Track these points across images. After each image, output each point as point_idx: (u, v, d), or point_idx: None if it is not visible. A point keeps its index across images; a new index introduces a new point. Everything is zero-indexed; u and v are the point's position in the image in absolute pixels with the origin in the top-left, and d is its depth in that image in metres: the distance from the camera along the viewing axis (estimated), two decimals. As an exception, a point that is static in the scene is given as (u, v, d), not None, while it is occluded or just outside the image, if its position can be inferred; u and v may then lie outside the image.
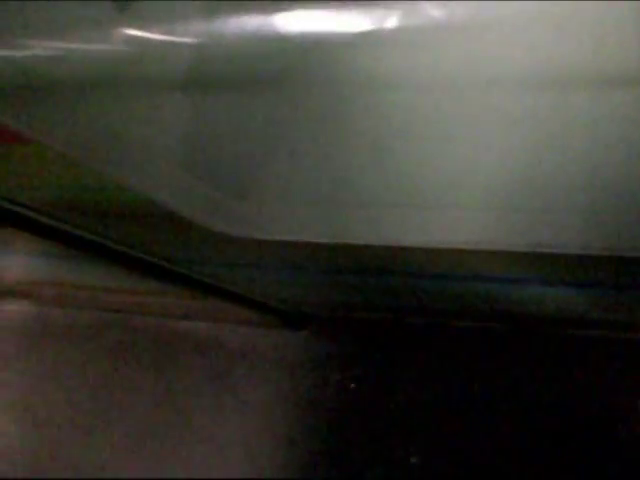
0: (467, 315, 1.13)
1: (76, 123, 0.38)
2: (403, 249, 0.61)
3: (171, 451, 1.39)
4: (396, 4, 0.31)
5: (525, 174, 0.45)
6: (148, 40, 0.31)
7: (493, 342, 1.18)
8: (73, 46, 0.32)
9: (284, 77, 0.35)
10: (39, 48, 0.32)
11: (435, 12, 0.30)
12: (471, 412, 1.19)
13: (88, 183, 0.51)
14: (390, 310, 1.20)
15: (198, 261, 0.88)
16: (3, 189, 0.54)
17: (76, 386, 1.53)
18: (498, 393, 1.17)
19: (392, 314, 1.22)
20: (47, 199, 0.58)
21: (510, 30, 0.32)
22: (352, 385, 1.30)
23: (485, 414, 1.18)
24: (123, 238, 0.75)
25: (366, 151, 0.46)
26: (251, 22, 0.30)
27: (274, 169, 0.49)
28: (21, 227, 0.67)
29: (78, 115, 0.37)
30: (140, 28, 0.31)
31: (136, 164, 0.45)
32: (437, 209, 0.52)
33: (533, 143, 0.42)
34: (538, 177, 0.45)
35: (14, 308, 1.61)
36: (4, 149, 0.43)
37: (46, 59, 0.32)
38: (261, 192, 0.53)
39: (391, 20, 0.30)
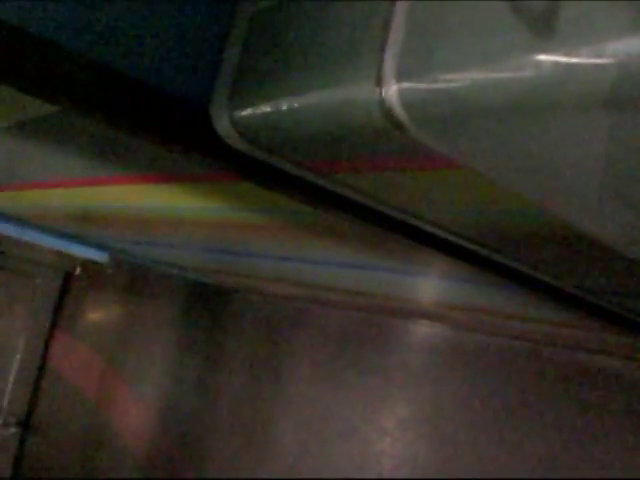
0: None
1: (498, 148, 0.41)
2: None
3: None
4: None
5: None
6: (564, 64, 0.33)
7: None
8: (492, 75, 0.35)
9: None
10: (461, 79, 0.36)
11: None
12: None
13: (507, 207, 0.54)
14: None
15: (612, 291, 0.85)
16: (430, 213, 0.60)
17: (479, 409, 1.59)
18: None
19: None
20: (466, 222, 0.62)
21: None
22: None
23: None
24: (535, 265, 0.77)
25: None
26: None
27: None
28: (440, 250, 0.72)
29: (499, 140, 0.40)
30: (555, 53, 0.32)
31: (554, 187, 0.46)
32: None
33: None
34: None
35: (428, 330, 1.73)
36: (434, 174, 0.48)
37: (467, 88, 0.36)
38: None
39: None
